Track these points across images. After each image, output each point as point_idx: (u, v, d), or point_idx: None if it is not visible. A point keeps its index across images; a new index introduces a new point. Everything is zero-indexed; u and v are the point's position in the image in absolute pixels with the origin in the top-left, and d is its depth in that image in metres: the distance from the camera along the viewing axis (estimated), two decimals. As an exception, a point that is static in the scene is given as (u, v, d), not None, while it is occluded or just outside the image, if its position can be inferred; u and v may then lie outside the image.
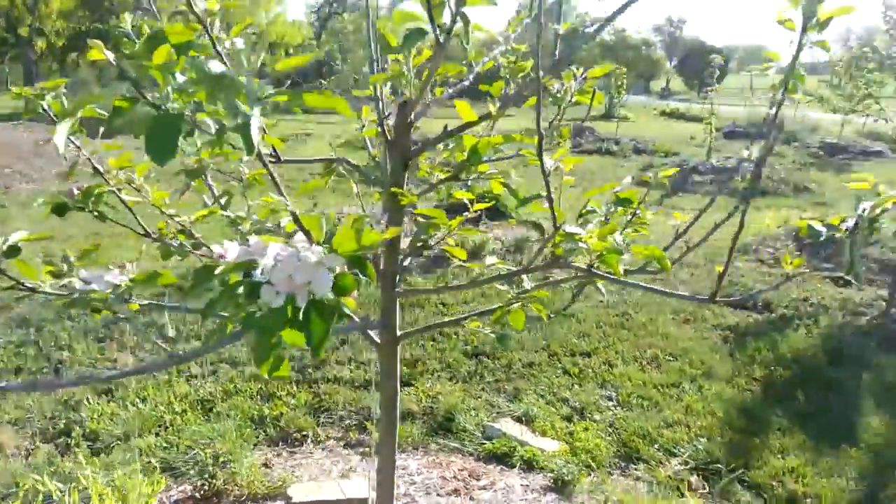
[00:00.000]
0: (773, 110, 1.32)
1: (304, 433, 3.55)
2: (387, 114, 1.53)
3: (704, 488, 3.19)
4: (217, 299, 0.88)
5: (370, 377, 4.10)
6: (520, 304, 1.54)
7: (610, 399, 3.96)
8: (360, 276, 0.83)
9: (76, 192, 1.37)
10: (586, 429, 3.57)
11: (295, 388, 3.98)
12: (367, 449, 3.42)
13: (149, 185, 1.56)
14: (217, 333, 1.07)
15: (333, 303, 0.81)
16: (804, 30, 1.08)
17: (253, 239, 0.87)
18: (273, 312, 0.82)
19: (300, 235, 0.84)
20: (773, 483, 3.20)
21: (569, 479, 3.01)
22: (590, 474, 3.18)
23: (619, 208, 1.61)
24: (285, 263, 0.78)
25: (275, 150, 1.34)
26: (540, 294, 1.53)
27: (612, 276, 1.27)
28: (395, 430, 1.75)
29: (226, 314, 1.07)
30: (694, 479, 3.24)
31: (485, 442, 3.41)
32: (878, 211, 1.05)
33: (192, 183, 1.77)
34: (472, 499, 2.90)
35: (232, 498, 2.95)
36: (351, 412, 3.74)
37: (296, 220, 0.94)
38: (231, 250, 0.87)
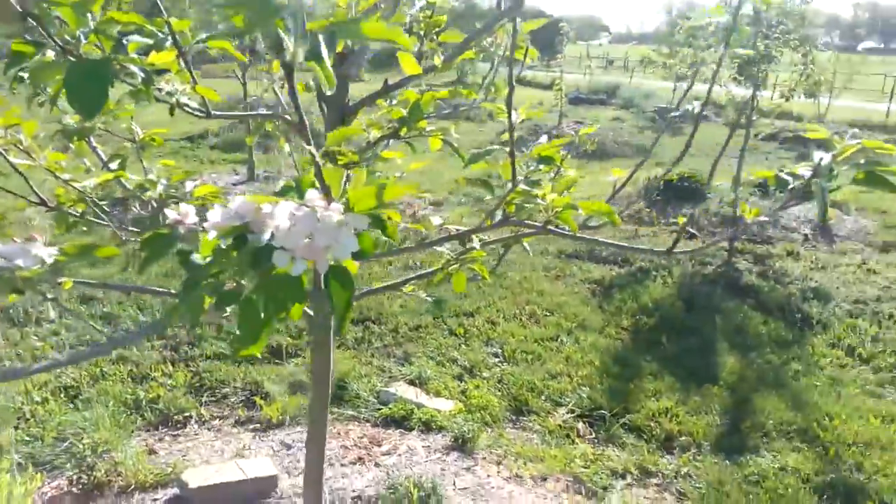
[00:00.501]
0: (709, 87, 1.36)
1: (187, 414, 3.35)
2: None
3: (591, 434, 3.36)
4: (204, 270, 0.78)
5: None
6: (459, 265, 1.52)
7: (496, 356, 4.06)
8: (382, 236, 0.76)
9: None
10: (478, 386, 3.64)
11: (171, 367, 3.74)
12: (258, 425, 3.29)
13: (38, 146, 1.36)
14: (182, 309, 0.96)
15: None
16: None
17: (238, 199, 0.77)
18: (285, 281, 0.73)
19: (312, 193, 0.75)
20: (651, 424, 3.43)
21: (469, 437, 3.07)
22: (487, 430, 3.26)
23: (543, 166, 1.62)
24: (303, 224, 0.69)
25: (205, 103, 1.20)
26: (478, 255, 1.51)
27: (567, 232, 1.28)
28: (327, 404, 1.69)
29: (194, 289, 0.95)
30: (581, 425, 3.40)
31: (381, 407, 3.39)
32: (838, 159, 1.12)
33: (71, 145, 1.58)
34: (377, 465, 2.87)
35: (117, 489, 2.74)
36: (236, 388, 3.58)
37: (318, 173, 0.82)
38: (214, 213, 0.77)
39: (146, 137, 1.75)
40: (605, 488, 2.92)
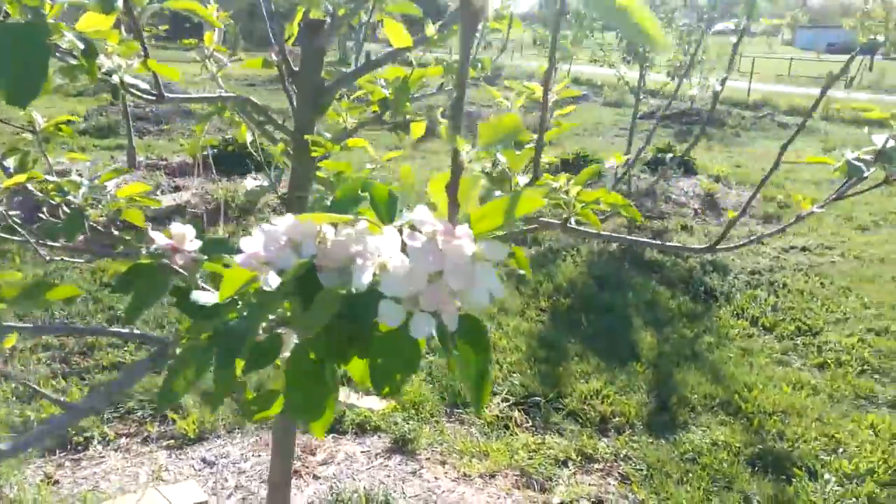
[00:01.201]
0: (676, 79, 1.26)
1: (88, 434, 2.99)
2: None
3: (528, 422, 3.29)
4: (248, 329, 0.56)
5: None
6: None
7: (421, 347, 3.91)
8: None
9: None
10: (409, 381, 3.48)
11: (63, 381, 3.34)
12: (172, 441, 2.98)
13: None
14: (217, 388, 0.72)
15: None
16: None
17: (286, 219, 0.56)
18: (399, 345, 0.54)
19: (423, 212, 0.52)
20: (585, 407, 3.41)
21: (410, 437, 2.91)
22: (426, 427, 3.11)
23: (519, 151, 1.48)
24: (424, 258, 0.50)
25: (158, 83, 0.96)
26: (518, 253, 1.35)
27: (589, 231, 1.14)
28: (293, 431, 1.48)
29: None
30: (517, 414, 3.33)
31: (308, 412, 3.16)
32: None
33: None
34: (315, 477, 2.66)
35: (15, 531, 2.39)
36: (142, 401, 3.23)
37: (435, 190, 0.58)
38: (252, 241, 0.56)
39: (49, 127, 1.47)
40: (550, 479, 2.85)
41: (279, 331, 0.66)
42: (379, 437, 3.01)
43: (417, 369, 0.58)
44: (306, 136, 1.17)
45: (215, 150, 7.17)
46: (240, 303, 0.65)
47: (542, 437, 3.15)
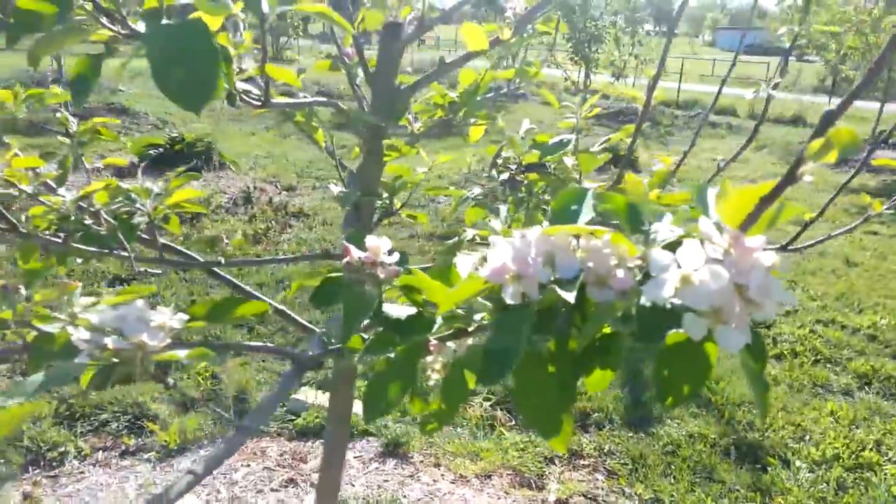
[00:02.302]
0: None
1: (62, 450, 2.86)
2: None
3: (511, 420, 3.33)
4: (516, 348, 0.55)
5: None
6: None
7: (397, 349, 3.90)
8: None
9: None
10: (389, 384, 3.46)
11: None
12: (153, 454, 2.88)
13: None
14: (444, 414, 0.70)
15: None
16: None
17: (534, 232, 0.56)
18: (689, 355, 0.54)
19: (708, 224, 0.51)
20: (565, 404, 3.46)
21: (402, 441, 2.90)
22: (414, 430, 3.10)
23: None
24: (730, 271, 0.50)
25: (267, 89, 0.92)
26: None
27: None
28: (345, 448, 1.46)
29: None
30: (500, 413, 3.36)
31: (293, 418, 3.11)
32: None
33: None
34: (313, 485, 2.62)
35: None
36: (116, 413, 3.11)
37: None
38: (499, 253, 0.56)
39: (84, 130, 1.40)
40: (541, 476, 2.90)
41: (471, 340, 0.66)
42: (368, 441, 2.99)
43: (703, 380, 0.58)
44: (386, 137, 1.15)
45: (161, 150, 6.95)
46: (438, 317, 0.64)
47: (528, 435, 3.18)
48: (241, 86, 0.88)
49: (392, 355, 0.67)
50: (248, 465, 2.76)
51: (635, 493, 2.85)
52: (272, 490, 2.60)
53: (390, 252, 0.68)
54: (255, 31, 1.23)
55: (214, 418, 3.12)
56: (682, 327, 0.49)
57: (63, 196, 1.08)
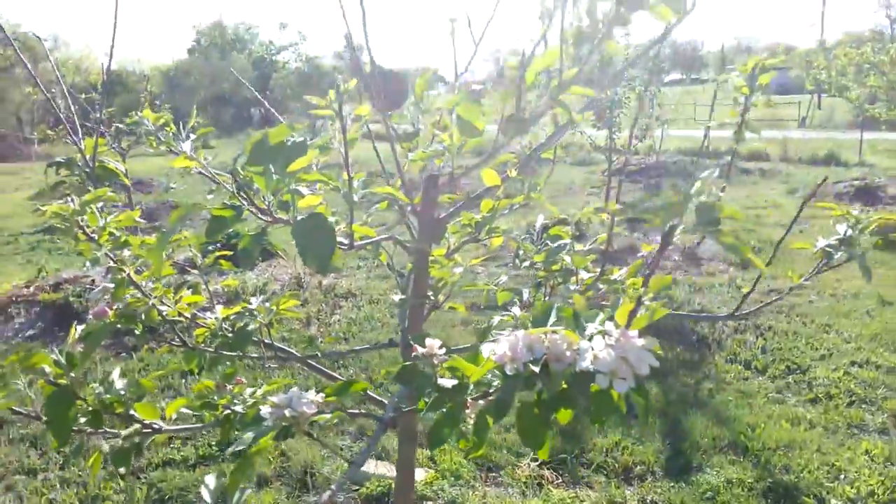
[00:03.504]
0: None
1: (155, 529, 3.22)
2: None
3: (558, 478, 3.59)
4: (511, 388, 0.93)
5: (204, 451, 3.83)
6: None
7: (448, 418, 4.20)
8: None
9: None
10: (442, 450, 3.76)
11: (120, 482, 3.57)
12: None
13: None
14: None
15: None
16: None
17: (518, 333, 0.94)
18: (605, 398, 0.91)
19: (610, 326, 0.91)
20: (608, 459, 3.71)
21: (459, 502, 3.19)
22: (468, 492, 3.39)
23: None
24: (620, 351, 0.88)
25: (351, 237, 1.32)
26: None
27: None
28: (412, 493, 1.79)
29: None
30: (547, 472, 3.62)
31: (357, 488, 3.43)
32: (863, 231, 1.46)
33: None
34: (380, 546, 2.92)
35: None
36: (199, 495, 3.46)
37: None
38: (501, 346, 0.93)
39: (209, 260, 1.80)
40: (588, 528, 3.14)
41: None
42: (427, 503, 3.28)
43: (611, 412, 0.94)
44: (430, 254, 1.53)
45: (218, 244, 7.49)
46: (471, 385, 1.01)
47: (574, 491, 3.44)
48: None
49: (444, 410, 1.02)
50: None
51: (677, 539, 3.07)
52: (345, 553, 2.91)
53: (440, 346, 1.05)
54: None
55: (286, 491, 3.45)
56: (596, 381, 0.85)
57: (214, 317, 1.48)
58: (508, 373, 0.94)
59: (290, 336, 5.64)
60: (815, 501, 3.32)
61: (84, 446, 1.35)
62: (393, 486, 3.37)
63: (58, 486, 3.52)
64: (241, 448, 1.05)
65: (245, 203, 1.16)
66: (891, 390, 4.53)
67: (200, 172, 1.33)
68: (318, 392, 1.08)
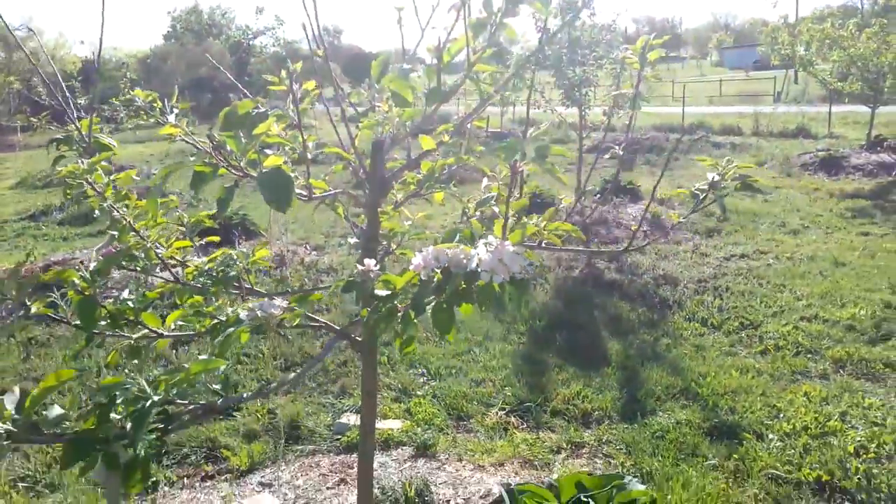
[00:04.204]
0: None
1: (153, 480, 3.51)
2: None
3: (523, 424, 3.92)
4: (424, 290, 1.23)
5: (197, 411, 4.12)
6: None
7: (423, 375, 4.52)
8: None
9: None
10: (417, 403, 4.08)
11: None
12: (229, 475, 3.52)
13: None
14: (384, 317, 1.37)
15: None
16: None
17: (429, 249, 1.24)
18: (488, 290, 1.21)
19: (492, 238, 1.21)
20: (569, 406, 4.05)
21: (430, 444, 3.51)
22: (440, 436, 3.71)
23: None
24: (497, 254, 1.17)
25: (310, 189, 1.61)
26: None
27: (555, 247, 1.80)
28: (375, 415, 2.08)
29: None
30: (513, 419, 3.95)
31: (338, 437, 3.74)
32: (725, 176, 1.75)
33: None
34: (359, 483, 3.23)
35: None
36: (194, 448, 3.76)
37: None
38: (417, 259, 1.23)
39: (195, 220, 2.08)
40: (547, 463, 3.47)
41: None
42: (402, 448, 3.60)
43: (496, 299, 1.24)
44: (379, 210, 1.82)
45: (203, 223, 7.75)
46: (399, 292, 1.31)
47: (537, 434, 3.77)
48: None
49: (380, 312, 1.32)
50: (307, 474, 3.39)
51: (628, 470, 3.40)
52: (328, 488, 3.22)
53: (376, 265, 1.35)
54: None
55: (275, 442, 3.75)
56: (481, 277, 1.15)
57: (201, 260, 1.77)
58: (423, 278, 1.24)
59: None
60: (754, 436, 3.67)
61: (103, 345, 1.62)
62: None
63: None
64: (227, 334, 1.34)
65: (221, 162, 1.44)
66: (834, 341, 4.89)
67: (183, 139, 1.60)
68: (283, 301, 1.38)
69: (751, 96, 29.03)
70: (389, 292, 1.33)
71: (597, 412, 4.00)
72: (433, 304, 1.29)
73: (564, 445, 3.64)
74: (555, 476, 3.20)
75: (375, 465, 3.42)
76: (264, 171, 1.39)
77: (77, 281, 1.43)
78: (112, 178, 1.65)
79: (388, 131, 1.74)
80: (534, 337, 5.12)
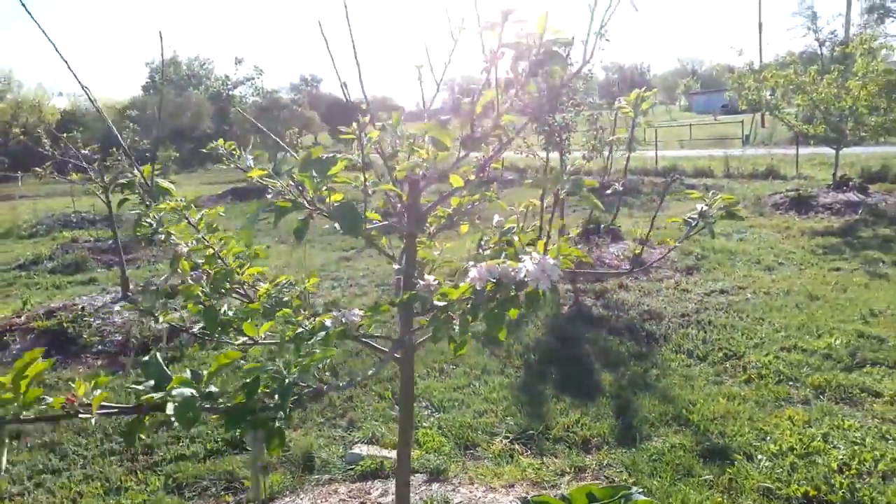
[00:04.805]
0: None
1: (178, 510, 3.66)
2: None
3: (527, 451, 4.12)
4: (479, 298, 1.48)
5: (212, 446, 4.28)
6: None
7: (427, 408, 4.72)
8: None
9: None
10: (425, 434, 4.28)
11: (140, 475, 3.99)
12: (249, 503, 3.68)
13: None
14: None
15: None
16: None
17: (482, 264, 1.49)
18: (534, 294, 1.47)
19: (535, 253, 1.48)
20: (569, 434, 4.27)
21: (442, 469, 3.70)
22: (451, 463, 3.90)
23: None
24: (539, 266, 1.44)
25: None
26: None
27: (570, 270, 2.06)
28: (412, 423, 2.30)
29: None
30: (517, 446, 4.16)
31: (352, 467, 3.91)
32: (712, 206, 2.05)
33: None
34: (378, 506, 3.42)
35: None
36: (213, 480, 3.92)
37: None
38: (473, 272, 1.49)
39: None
40: (555, 485, 3.68)
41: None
42: (416, 475, 3.79)
43: (535, 303, 1.49)
44: (417, 239, 2.08)
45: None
46: (455, 303, 1.56)
47: (542, 459, 3.98)
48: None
49: (439, 321, 1.57)
50: (326, 500, 3.56)
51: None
52: (348, 513, 3.40)
53: (435, 280, 1.61)
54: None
55: (291, 474, 3.92)
56: (529, 285, 1.41)
57: (265, 285, 2.01)
58: (478, 288, 1.50)
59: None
60: (744, 457, 3.91)
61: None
62: (383, 463, 3.88)
63: (82, 479, 3.93)
64: (322, 335, 1.57)
65: (300, 199, 1.69)
66: (813, 369, 5.18)
67: (262, 181, 1.85)
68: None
69: (720, 139, 29.98)
70: (446, 303, 1.58)
71: (595, 438, 4.23)
72: (486, 312, 1.54)
73: (568, 469, 3.85)
74: (564, 491, 3.40)
75: (393, 489, 3.60)
76: (336, 204, 1.65)
77: (200, 294, 1.67)
78: (204, 212, 1.90)
79: (420, 171, 2.00)
80: (529, 370, 5.35)
